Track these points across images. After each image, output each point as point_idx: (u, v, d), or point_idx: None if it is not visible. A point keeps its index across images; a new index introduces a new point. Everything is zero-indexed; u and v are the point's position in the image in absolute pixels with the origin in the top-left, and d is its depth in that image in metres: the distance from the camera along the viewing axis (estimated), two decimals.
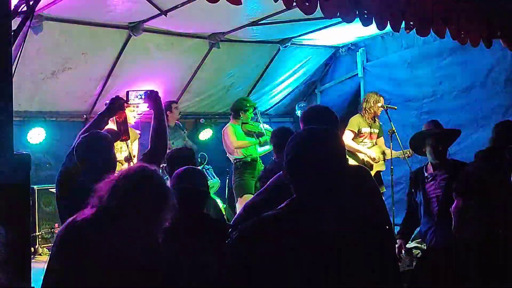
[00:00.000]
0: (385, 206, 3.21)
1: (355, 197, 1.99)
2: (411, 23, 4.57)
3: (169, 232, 2.91)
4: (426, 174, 4.55)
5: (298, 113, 8.85)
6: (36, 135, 6.86)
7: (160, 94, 7.98)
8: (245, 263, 1.84)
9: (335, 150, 1.91)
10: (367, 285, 1.81)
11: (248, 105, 6.82)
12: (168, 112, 7.29)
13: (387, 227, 2.29)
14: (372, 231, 1.91)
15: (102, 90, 7.20)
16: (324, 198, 1.86)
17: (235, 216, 3.05)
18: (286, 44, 7.99)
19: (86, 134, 3.35)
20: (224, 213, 6.83)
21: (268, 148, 6.88)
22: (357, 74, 8.78)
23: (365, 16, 4.21)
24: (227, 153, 6.93)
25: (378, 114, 6.90)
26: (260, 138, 6.80)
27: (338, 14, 4.11)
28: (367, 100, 6.95)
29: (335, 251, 1.79)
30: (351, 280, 1.79)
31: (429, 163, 4.58)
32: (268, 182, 2.86)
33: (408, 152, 6.49)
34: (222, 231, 2.84)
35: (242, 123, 6.84)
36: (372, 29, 5.59)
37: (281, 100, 9.44)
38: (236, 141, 6.67)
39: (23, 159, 2.19)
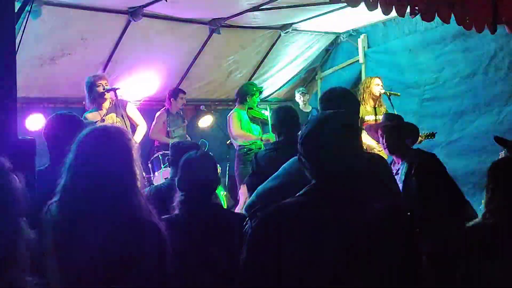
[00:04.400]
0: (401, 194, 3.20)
1: (373, 184, 1.97)
2: (416, 8, 4.51)
3: (178, 224, 2.85)
4: (392, 168, 4.22)
5: (297, 98, 8.79)
6: (35, 121, 6.78)
7: (160, 81, 8.02)
8: (266, 250, 1.81)
9: (350, 133, 1.88)
10: (388, 271, 1.79)
11: (254, 89, 6.79)
12: (172, 99, 7.23)
13: (409, 213, 2.26)
14: (393, 218, 1.88)
15: None
16: (343, 185, 1.83)
17: (247, 202, 3.00)
18: (287, 30, 7.92)
19: None
20: (224, 200, 6.80)
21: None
22: (358, 60, 8.71)
23: (371, 0, 4.15)
24: (231, 139, 6.88)
25: (378, 95, 6.74)
26: (262, 136, 6.75)
27: None
28: (362, 83, 6.88)
29: (356, 238, 1.77)
30: (372, 267, 1.76)
31: None
32: (280, 168, 2.82)
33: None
34: (233, 221, 2.78)
35: (248, 108, 6.79)
36: (374, 15, 5.53)
37: (281, 86, 9.38)
38: (238, 129, 6.62)
39: (28, 144, 2.16)
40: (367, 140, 6.47)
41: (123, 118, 5.81)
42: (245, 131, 6.72)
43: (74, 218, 2.13)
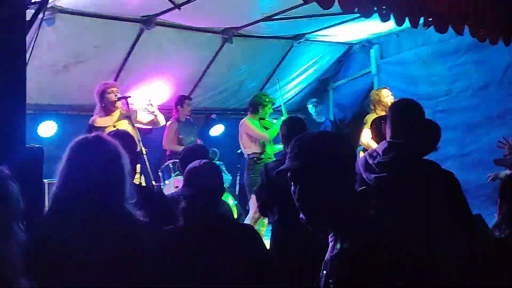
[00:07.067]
0: None
1: None
2: (430, 19, 4.49)
3: (182, 234, 2.83)
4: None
5: (310, 108, 8.73)
6: (47, 128, 6.82)
7: (172, 89, 8.05)
8: None
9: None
10: None
11: (267, 100, 6.78)
12: (178, 106, 7.25)
13: None
14: None
15: None
16: None
17: None
18: (300, 40, 7.92)
19: None
20: (234, 210, 6.78)
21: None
22: (371, 71, 8.68)
23: (384, 12, 4.13)
24: (242, 148, 6.87)
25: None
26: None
27: (356, 9, 4.03)
28: (372, 99, 6.83)
29: None
30: None
31: None
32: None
33: None
34: (238, 232, 2.76)
35: (260, 118, 6.79)
36: (387, 26, 5.52)
37: (293, 96, 9.37)
38: (259, 131, 6.62)
39: (35, 152, 2.16)
40: (367, 140, 6.32)
41: (133, 127, 5.81)
42: (266, 132, 6.68)
43: (65, 224, 2.18)
